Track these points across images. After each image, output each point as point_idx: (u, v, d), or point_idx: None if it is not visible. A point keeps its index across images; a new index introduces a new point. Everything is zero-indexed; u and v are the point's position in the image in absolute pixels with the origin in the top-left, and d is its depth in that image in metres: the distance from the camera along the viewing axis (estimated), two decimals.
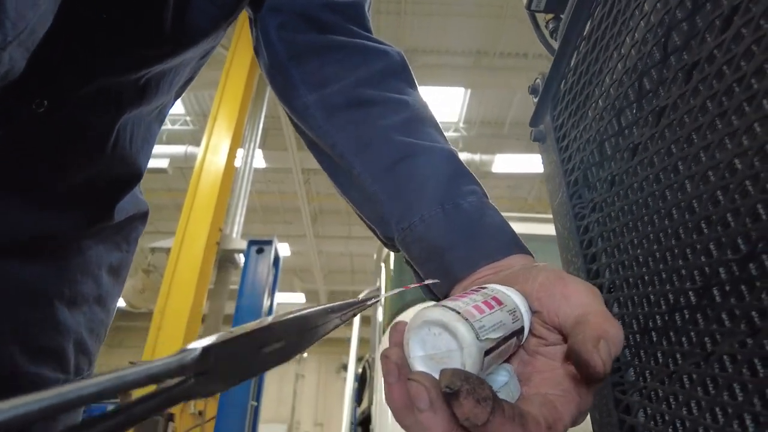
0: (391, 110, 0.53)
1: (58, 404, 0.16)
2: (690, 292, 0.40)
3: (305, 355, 12.50)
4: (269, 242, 4.12)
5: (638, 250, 0.45)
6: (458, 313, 0.30)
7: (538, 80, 0.71)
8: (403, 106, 0.54)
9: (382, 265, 2.42)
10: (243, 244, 4.81)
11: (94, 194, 0.59)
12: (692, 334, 0.39)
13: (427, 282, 0.46)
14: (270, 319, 0.26)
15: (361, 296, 0.36)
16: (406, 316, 1.76)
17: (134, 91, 0.53)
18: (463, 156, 7.79)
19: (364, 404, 2.64)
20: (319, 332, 0.30)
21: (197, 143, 6.57)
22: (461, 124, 7.85)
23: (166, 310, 4.16)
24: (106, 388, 0.18)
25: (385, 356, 0.32)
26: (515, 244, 0.44)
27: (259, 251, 4.11)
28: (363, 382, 2.78)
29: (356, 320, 2.63)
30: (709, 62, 0.36)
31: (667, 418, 0.41)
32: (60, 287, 0.57)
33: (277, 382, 11.64)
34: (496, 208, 0.48)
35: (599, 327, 0.30)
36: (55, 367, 0.57)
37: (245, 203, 5.87)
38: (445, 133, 0.54)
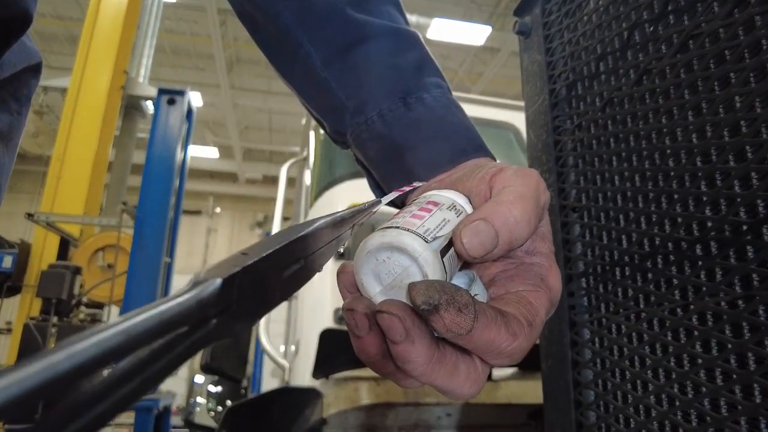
0: None
1: (48, 381, 0.11)
2: (656, 239, 0.40)
3: (218, 210, 12.42)
4: (181, 92, 3.78)
5: (619, 184, 0.43)
6: (397, 227, 0.28)
7: None
8: None
9: (311, 133, 2.32)
10: (151, 91, 4.39)
11: None
12: (651, 281, 0.39)
13: (409, 187, 0.42)
14: (286, 234, 0.23)
15: (366, 204, 0.33)
16: (335, 192, 1.73)
17: None
18: None
19: None
20: (333, 247, 0.27)
21: None
22: None
23: (65, 158, 3.81)
24: (109, 350, 0.13)
25: (350, 310, 0.28)
26: (478, 146, 0.41)
27: (171, 102, 3.77)
28: None
29: (282, 178, 2.57)
30: (762, 4, 0.32)
31: (616, 348, 0.43)
32: None
33: (188, 234, 11.59)
34: (458, 104, 0.44)
35: (488, 208, 0.28)
36: None
37: (153, 43, 5.25)
38: None
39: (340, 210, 0.28)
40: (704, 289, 0.36)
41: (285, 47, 0.47)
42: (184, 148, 3.92)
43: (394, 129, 0.41)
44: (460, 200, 0.32)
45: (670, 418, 0.37)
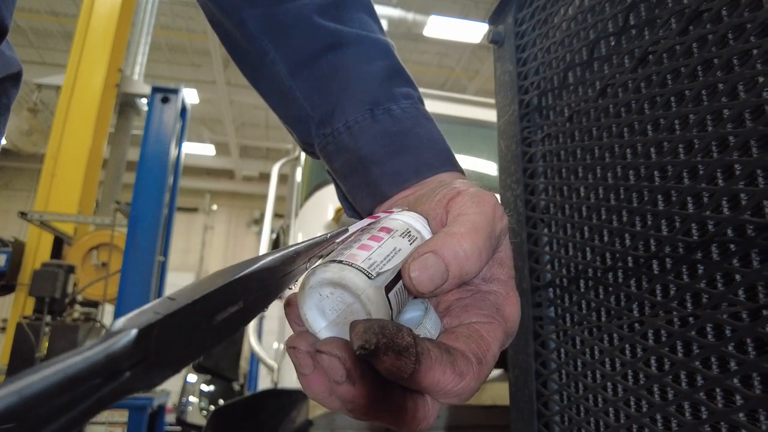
0: None
1: None
2: (617, 255, 0.40)
3: (215, 207, 12.40)
4: (175, 91, 3.77)
5: (583, 197, 0.43)
6: (340, 262, 0.26)
7: None
8: None
9: None
10: (146, 89, 4.38)
11: None
12: (612, 294, 0.39)
13: (384, 213, 0.41)
14: (225, 274, 0.21)
15: (329, 235, 0.30)
16: (325, 192, 1.73)
17: None
18: (396, 12, 7.32)
19: None
20: (285, 283, 0.25)
21: None
22: None
23: (60, 155, 3.81)
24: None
25: (292, 348, 0.27)
26: (446, 160, 0.39)
27: (165, 100, 3.77)
28: (276, 247, 2.83)
29: (273, 178, 2.57)
30: (714, 22, 0.32)
31: (579, 363, 0.43)
32: None
33: (184, 232, 11.58)
34: (431, 116, 0.42)
35: (439, 241, 0.27)
36: None
37: (148, 40, 5.23)
38: None
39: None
40: (655, 306, 0.36)
41: (251, 55, 0.45)
42: (179, 145, 3.91)
43: (360, 141, 0.39)
44: (417, 224, 0.31)
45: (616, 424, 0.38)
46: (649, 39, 0.39)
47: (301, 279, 0.27)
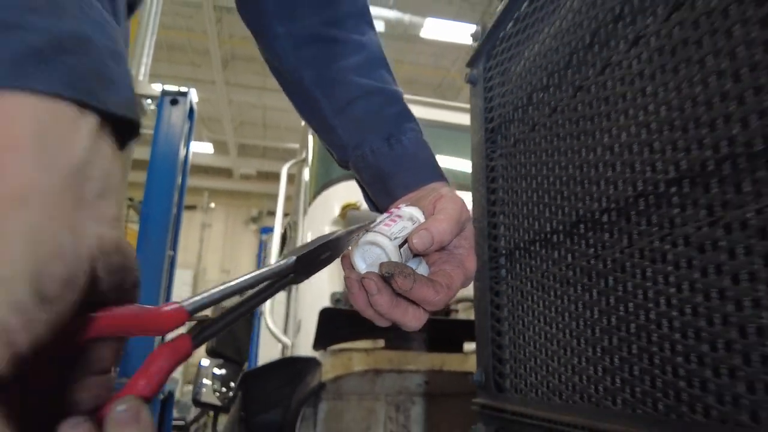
0: (351, 50, 0.61)
1: (213, 300, 0.34)
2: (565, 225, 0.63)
3: (212, 205, 12.55)
4: (184, 93, 3.95)
5: (523, 192, 0.67)
6: (375, 232, 0.45)
7: (478, 29, 0.85)
8: (361, 47, 0.61)
9: (310, 136, 2.55)
10: (151, 89, 4.52)
11: None
12: (555, 250, 0.62)
13: (396, 209, 0.64)
14: (320, 239, 0.43)
15: (368, 222, 0.49)
16: (332, 192, 1.97)
17: None
18: (393, 14, 7.53)
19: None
20: (342, 248, 0.46)
21: None
22: None
23: None
24: (242, 285, 0.35)
25: (348, 278, 0.46)
26: (437, 173, 0.58)
27: (173, 102, 3.95)
28: (284, 241, 3.06)
29: (283, 177, 2.78)
30: (618, 66, 0.55)
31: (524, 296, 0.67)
32: None
33: (183, 230, 11.64)
34: (426, 143, 0.60)
35: (429, 222, 0.46)
36: None
37: (153, 42, 5.38)
38: None
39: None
40: (572, 256, 0.60)
41: (307, 101, 0.65)
42: (187, 144, 4.07)
43: (381, 161, 0.59)
44: (417, 214, 0.52)
45: (547, 346, 0.61)
46: (581, 75, 0.62)
47: (352, 243, 0.51)
